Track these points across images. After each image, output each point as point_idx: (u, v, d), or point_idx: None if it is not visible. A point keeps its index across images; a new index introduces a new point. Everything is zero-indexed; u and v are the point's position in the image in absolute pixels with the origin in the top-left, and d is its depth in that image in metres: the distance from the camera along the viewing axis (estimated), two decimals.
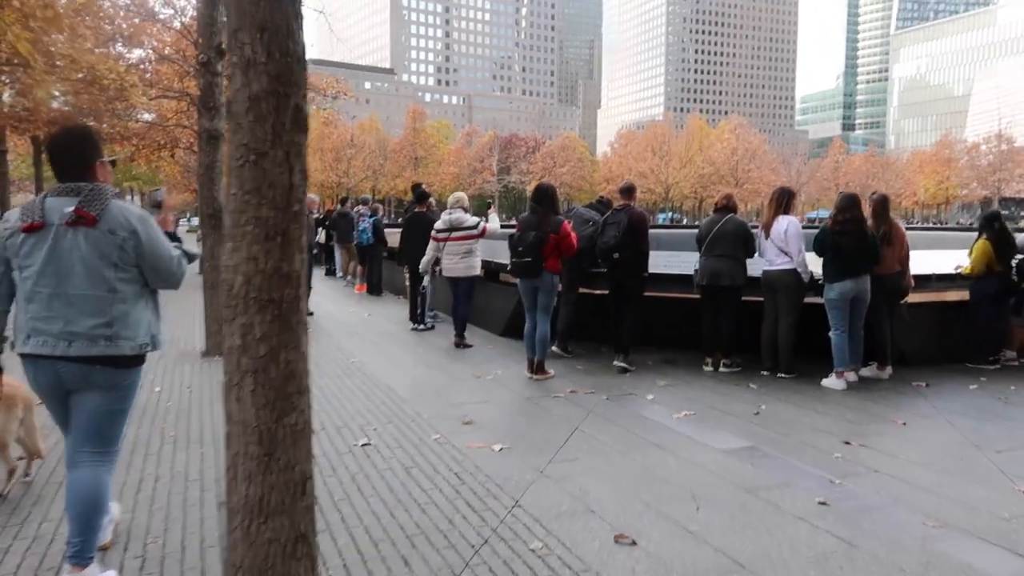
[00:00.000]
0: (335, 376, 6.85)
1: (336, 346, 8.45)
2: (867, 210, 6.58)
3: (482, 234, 8.42)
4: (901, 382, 6.52)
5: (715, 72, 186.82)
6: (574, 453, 4.56)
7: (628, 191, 7.32)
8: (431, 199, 10.02)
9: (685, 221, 79.78)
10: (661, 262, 7.50)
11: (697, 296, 7.10)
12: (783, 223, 6.60)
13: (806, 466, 4.32)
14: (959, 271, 7.29)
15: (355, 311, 11.56)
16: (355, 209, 14.65)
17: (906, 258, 6.69)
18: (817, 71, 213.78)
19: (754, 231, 7.02)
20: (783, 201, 6.72)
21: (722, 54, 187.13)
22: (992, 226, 7.17)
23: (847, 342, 6.36)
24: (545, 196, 6.42)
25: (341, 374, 6.94)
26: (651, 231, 7.31)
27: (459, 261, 8.38)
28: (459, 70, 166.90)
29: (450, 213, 8.58)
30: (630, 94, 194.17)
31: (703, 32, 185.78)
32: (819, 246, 6.41)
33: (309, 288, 10.38)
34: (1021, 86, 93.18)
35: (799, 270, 6.55)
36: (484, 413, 5.50)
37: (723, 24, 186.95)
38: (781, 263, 6.59)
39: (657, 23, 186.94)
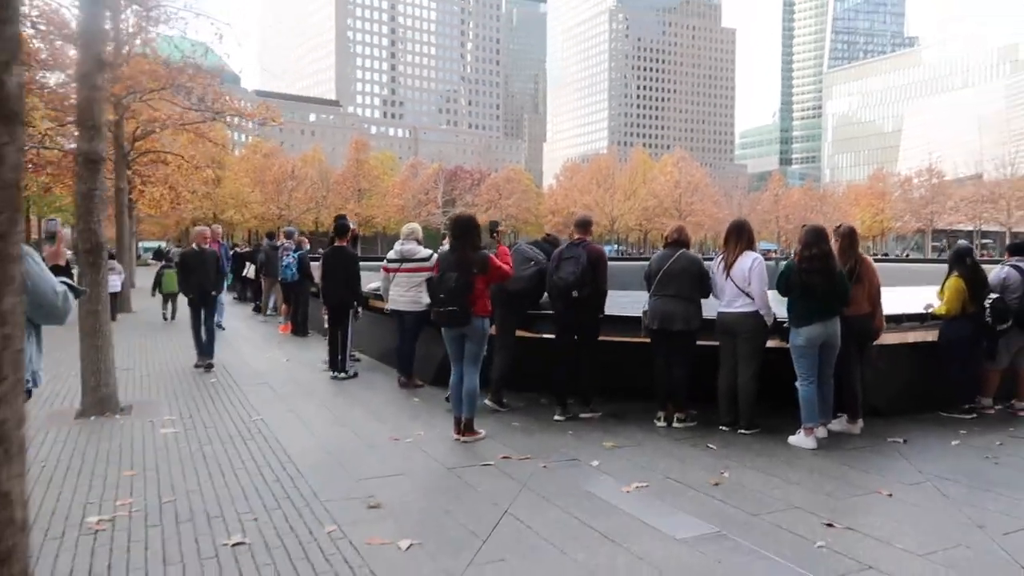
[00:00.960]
0: (228, 440, 5.81)
1: (240, 401, 7.37)
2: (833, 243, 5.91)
3: (435, 268, 7.61)
4: (875, 437, 5.81)
5: (657, 107, 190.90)
6: (500, 550, 3.63)
7: (584, 225, 6.59)
8: (355, 231, 9.09)
9: (625, 250, 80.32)
10: (612, 303, 6.69)
11: (646, 340, 6.31)
12: (747, 260, 5.87)
13: (786, 561, 3.49)
14: (930, 311, 6.66)
15: (273, 356, 10.46)
16: (279, 242, 13.58)
17: (877, 296, 6.02)
18: (755, 107, 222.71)
19: (707, 263, 6.30)
20: (743, 235, 5.99)
21: (663, 90, 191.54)
22: (964, 262, 6.58)
23: (816, 394, 5.63)
24: (465, 230, 5.42)
25: (236, 437, 5.89)
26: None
27: (406, 293, 7.77)
28: (405, 103, 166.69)
29: (402, 243, 7.96)
30: (575, 128, 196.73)
31: (645, 68, 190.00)
32: (784, 285, 5.69)
33: (210, 330, 9.27)
34: (948, 122, 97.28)
35: (761, 312, 5.82)
36: (395, 491, 4.53)
37: (664, 61, 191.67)
38: (741, 305, 5.85)
39: (600, 59, 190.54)
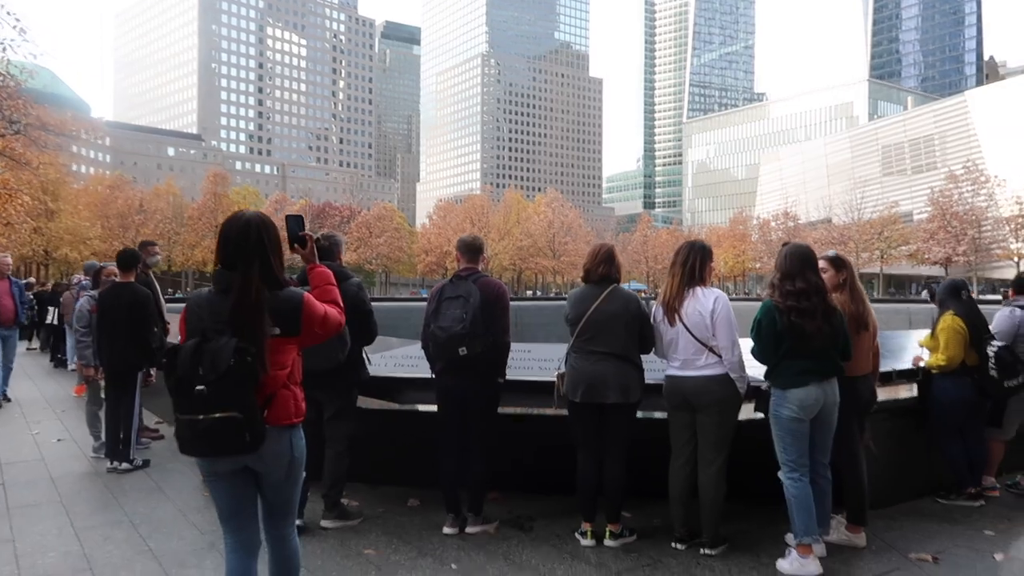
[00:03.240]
0: None
1: None
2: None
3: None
4: (887, 551, 4.08)
5: (529, 151, 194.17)
6: None
7: (473, 249, 4.55)
8: (147, 262, 6.67)
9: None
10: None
11: (564, 414, 4.34)
12: (706, 300, 4.03)
13: None
14: (921, 365, 5.11)
15: (44, 431, 7.66)
16: (76, 281, 10.70)
17: (877, 350, 4.37)
18: (620, 153, 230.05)
19: (647, 301, 4.43)
20: (696, 263, 4.16)
21: (535, 134, 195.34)
22: (959, 297, 5.09)
23: (811, 493, 3.85)
24: (245, 239, 2.61)
25: None
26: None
27: None
28: (273, 139, 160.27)
29: None
30: (448, 169, 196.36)
31: (516, 113, 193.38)
32: (765, 334, 3.90)
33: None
34: (800, 170, 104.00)
35: (733, 376, 3.99)
36: None
37: (535, 106, 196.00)
38: (703, 366, 3.99)
39: (472, 102, 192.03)
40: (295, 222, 2.92)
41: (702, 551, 4.00)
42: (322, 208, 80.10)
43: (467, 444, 4.41)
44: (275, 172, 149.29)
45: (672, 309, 4.07)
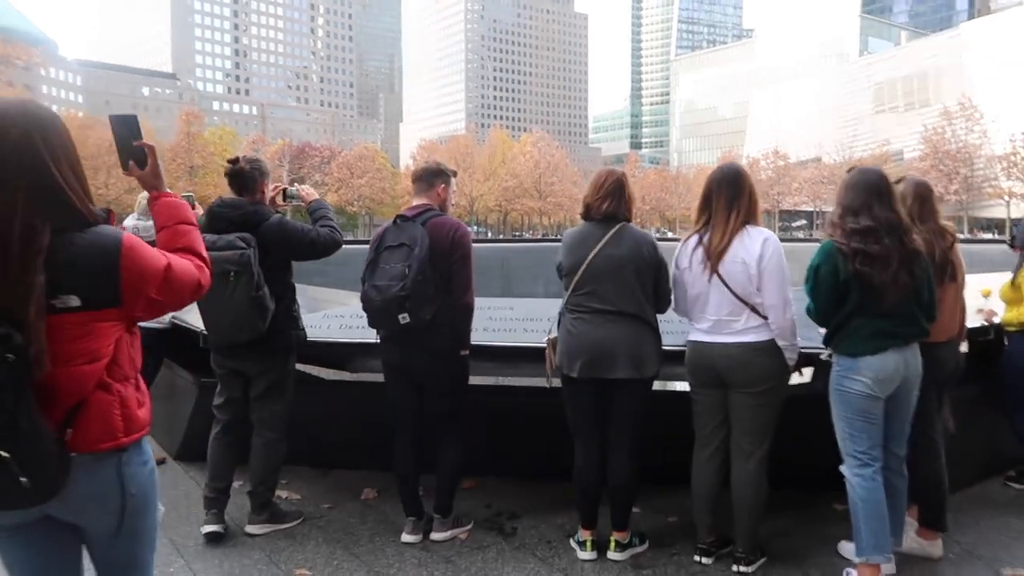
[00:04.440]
0: None
1: None
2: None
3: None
4: (968, 559, 3.20)
5: (514, 90, 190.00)
6: None
7: (429, 177, 3.44)
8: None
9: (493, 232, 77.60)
10: (484, 319, 3.71)
11: (557, 389, 3.36)
12: (754, 242, 2.98)
13: None
14: (995, 321, 4.15)
15: None
16: None
17: (964, 307, 3.41)
18: (607, 92, 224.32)
19: (663, 243, 3.39)
20: (742, 195, 3.05)
21: (519, 72, 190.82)
22: None
23: (881, 490, 2.92)
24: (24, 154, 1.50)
25: None
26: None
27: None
28: (251, 78, 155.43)
29: (137, 219, 5.05)
30: (432, 108, 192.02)
31: (500, 51, 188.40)
32: (824, 285, 2.91)
33: None
34: (790, 109, 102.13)
35: (782, 343, 3.01)
36: None
37: (519, 44, 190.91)
38: (742, 329, 2.98)
39: (456, 39, 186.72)
40: (121, 123, 1.81)
41: (735, 568, 3.09)
42: (301, 148, 77.81)
43: (429, 428, 3.44)
44: (254, 112, 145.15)
45: (713, 253, 3.03)
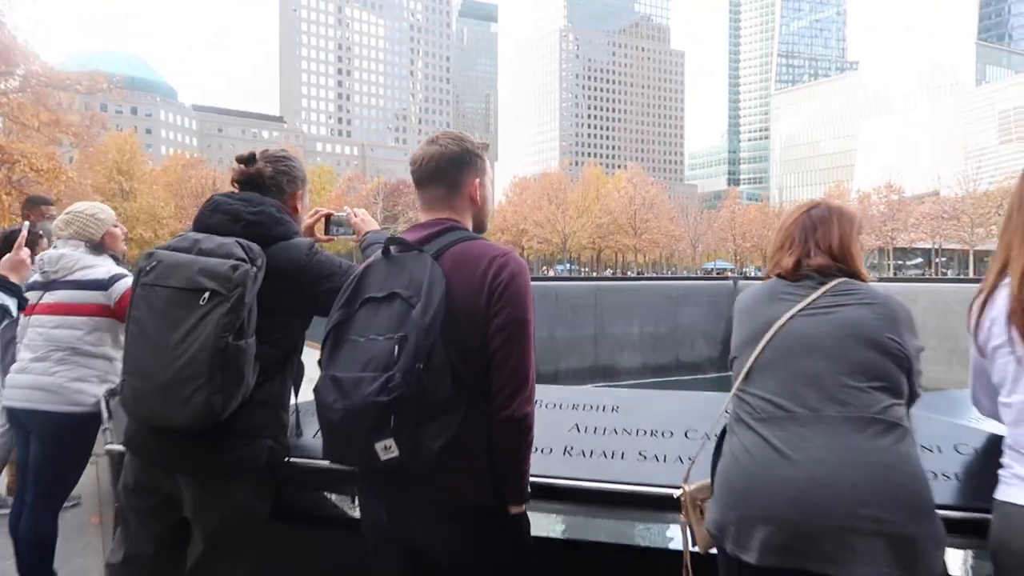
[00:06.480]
0: None
1: None
2: None
3: (119, 305, 2.86)
4: None
5: (608, 127, 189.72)
6: None
7: (448, 164, 1.89)
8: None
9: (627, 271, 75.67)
10: (566, 427, 2.13)
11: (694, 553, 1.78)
12: None
13: None
14: None
15: None
16: None
17: None
18: (703, 128, 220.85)
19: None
20: None
21: (614, 110, 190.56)
22: None
23: None
24: None
25: None
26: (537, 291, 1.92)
27: (39, 363, 2.89)
28: (353, 120, 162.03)
29: (57, 247, 3.11)
30: (526, 147, 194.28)
31: (595, 89, 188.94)
32: None
33: None
34: (901, 141, 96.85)
35: None
36: None
37: (614, 81, 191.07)
38: None
39: (551, 79, 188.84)
40: None
41: None
42: (395, 186, 79.19)
43: None
44: (354, 153, 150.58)
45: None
